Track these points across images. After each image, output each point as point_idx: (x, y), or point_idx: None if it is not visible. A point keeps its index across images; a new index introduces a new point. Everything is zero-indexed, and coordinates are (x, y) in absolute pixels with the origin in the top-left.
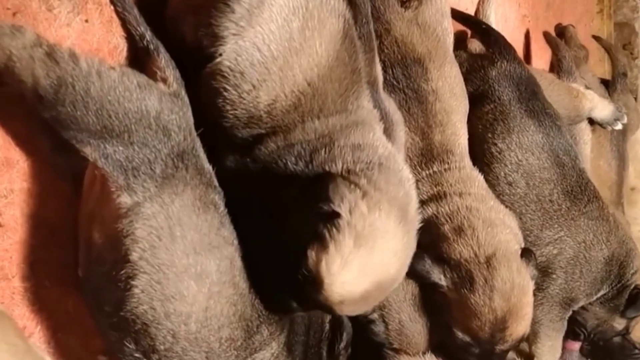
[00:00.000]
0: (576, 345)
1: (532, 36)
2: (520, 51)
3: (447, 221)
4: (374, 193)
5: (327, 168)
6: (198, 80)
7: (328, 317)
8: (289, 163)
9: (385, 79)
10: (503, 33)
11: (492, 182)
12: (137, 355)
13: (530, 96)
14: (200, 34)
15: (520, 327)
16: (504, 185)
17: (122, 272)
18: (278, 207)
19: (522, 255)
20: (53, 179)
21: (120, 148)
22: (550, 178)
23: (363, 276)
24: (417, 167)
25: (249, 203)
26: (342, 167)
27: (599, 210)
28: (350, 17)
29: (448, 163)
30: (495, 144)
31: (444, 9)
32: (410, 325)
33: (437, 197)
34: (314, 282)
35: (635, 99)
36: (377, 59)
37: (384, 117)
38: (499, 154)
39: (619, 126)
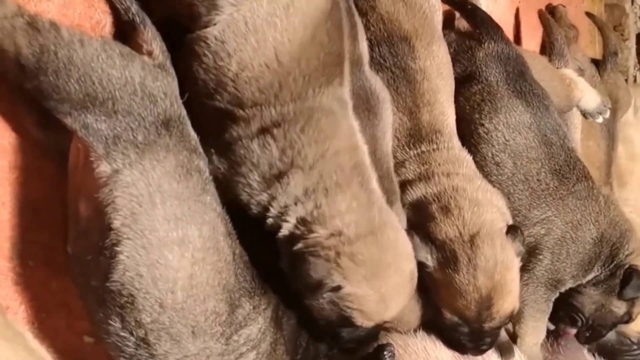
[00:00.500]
0: (573, 330)
1: (522, 17)
2: (510, 32)
3: (434, 201)
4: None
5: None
6: (180, 47)
7: None
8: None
9: (371, 57)
10: (492, 14)
11: (479, 163)
12: (122, 334)
13: (518, 76)
14: (198, 1)
15: (506, 304)
16: (492, 166)
17: (107, 240)
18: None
19: (507, 232)
20: (37, 157)
21: (103, 117)
22: (538, 157)
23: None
24: (405, 147)
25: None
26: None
27: (588, 190)
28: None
29: (437, 143)
30: (483, 125)
31: None
32: None
33: (425, 177)
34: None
35: (626, 80)
36: (361, 36)
37: (369, 95)
38: (486, 134)
39: (599, 119)
